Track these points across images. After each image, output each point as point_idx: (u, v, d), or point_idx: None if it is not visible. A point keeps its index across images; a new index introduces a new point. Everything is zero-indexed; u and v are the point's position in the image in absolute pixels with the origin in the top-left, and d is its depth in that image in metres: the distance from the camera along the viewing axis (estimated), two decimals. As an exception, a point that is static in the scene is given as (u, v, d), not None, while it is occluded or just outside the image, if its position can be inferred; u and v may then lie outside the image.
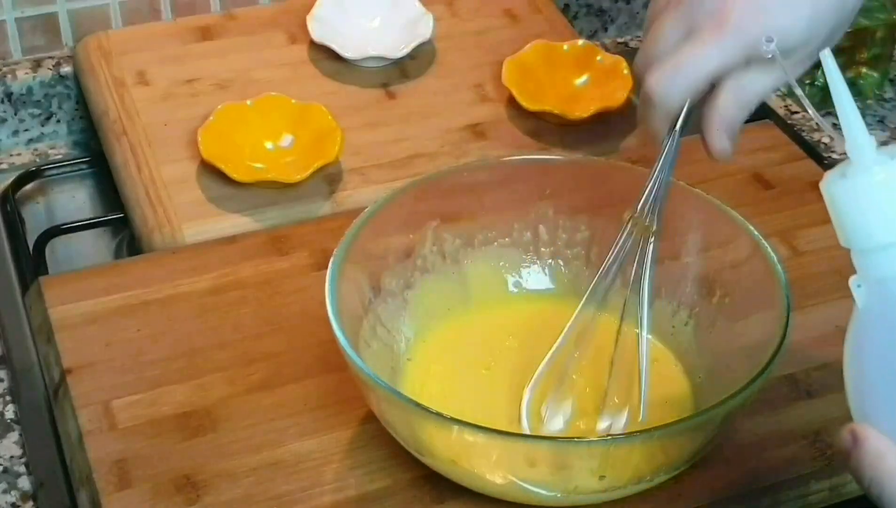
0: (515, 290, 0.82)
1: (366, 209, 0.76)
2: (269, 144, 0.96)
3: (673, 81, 0.68)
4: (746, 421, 0.76)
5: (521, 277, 0.83)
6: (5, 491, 0.75)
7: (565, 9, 1.19)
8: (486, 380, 0.77)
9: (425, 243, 0.80)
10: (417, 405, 0.66)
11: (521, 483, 0.68)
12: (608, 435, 0.70)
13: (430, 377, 0.77)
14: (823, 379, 0.78)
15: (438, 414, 0.65)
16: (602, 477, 0.67)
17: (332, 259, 0.73)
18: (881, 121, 1.07)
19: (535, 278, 0.83)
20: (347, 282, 0.73)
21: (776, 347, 0.68)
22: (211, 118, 0.96)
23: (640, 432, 0.67)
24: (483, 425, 0.65)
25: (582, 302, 0.74)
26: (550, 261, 0.83)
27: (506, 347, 0.79)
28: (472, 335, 0.80)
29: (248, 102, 0.97)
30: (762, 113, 1.02)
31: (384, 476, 0.73)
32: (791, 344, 0.68)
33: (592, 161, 0.89)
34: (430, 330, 0.79)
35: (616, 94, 1.00)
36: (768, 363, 0.67)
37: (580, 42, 1.06)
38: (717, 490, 0.73)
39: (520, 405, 0.74)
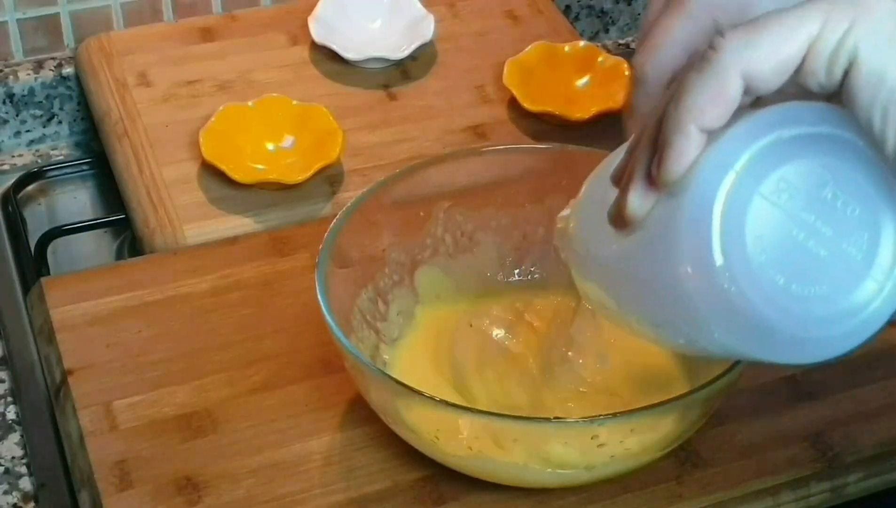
0: (519, 279, 0.82)
1: (358, 194, 0.77)
2: (270, 146, 0.96)
3: (649, 57, 0.67)
4: (747, 422, 0.76)
5: (529, 266, 0.82)
6: (7, 492, 0.75)
7: (566, 10, 1.19)
8: (486, 373, 0.77)
9: (435, 226, 0.80)
10: (407, 386, 0.66)
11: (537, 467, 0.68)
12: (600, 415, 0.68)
13: (429, 369, 0.77)
14: (824, 381, 0.78)
15: (445, 402, 0.65)
16: (601, 445, 0.67)
17: (320, 251, 0.73)
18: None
19: (544, 269, 0.82)
20: (336, 280, 0.73)
21: None
22: (212, 119, 0.96)
23: (629, 412, 0.66)
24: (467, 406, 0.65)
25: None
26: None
27: (507, 337, 0.79)
28: (471, 326, 0.80)
29: (250, 103, 0.97)
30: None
31: (384, 478, 0.73)
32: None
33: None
34: (427, 320, 0.79)
35: (617, 95, 1.00)
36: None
37: (581, 43, 1.06)
38: (718, 491, 0.73)
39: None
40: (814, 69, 0.51)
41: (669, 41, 0.66)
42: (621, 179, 0.57)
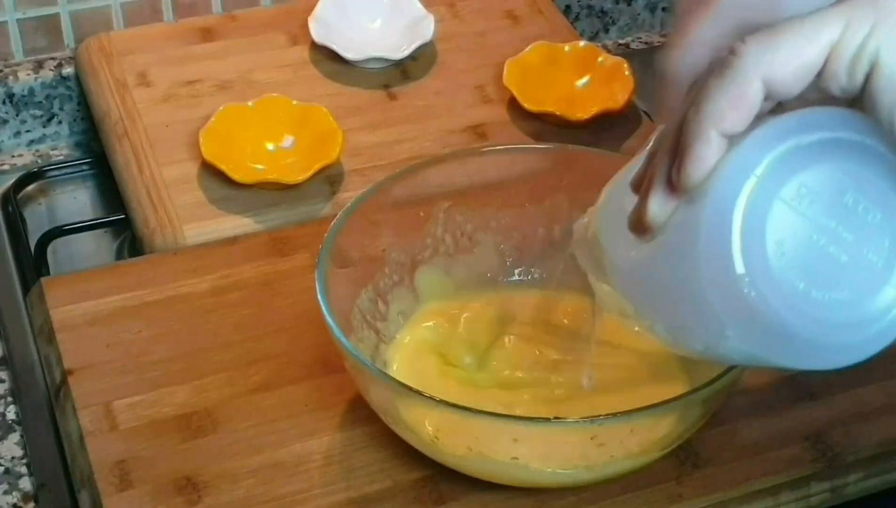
0: (519, 279, 0.82)
1: (359, 193, 0.77)
2: (270, 146, 0.96)
3: (675, 54, 0.68)
4: (747, 422, 0.76)
5: (529, 267, 0.82)
6: (6, 492, 0.75)
7: (566, 10, 1.19)
8: (485, 371, 0.77)
9: (435, 226, 0.80)
10: (407, 386, 0.66)
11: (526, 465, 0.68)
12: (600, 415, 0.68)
13: (429, 368, 0.76)
14: (825, 381, 0.78)
15: (445, 402, 0.65)
16: (601, 445, 0.67)
17: (320, 251, 0.72)
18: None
19: (543, 269, 0.82)
20: (336, 280, 0.73)
21: None
22: (212, 119, 0.96)
23: (629, 412, 0.66)
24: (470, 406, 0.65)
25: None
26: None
27: (507, 337, 0.79)
28: (472, 325, 0.80)
29: (250, 103, 0.97)
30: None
31: (385, 478, 0.73)
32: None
33: (610, 156, 0.87)
34: (427, 320, 0.79)
35: (617, 95, 1.00)
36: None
37: (581, 43, 1.06)
38: (717, 491, 0.73)
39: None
40: (835, 73, 0.51)
41: (696, 40, 0.67)
42: (641, 186, 0.57)
